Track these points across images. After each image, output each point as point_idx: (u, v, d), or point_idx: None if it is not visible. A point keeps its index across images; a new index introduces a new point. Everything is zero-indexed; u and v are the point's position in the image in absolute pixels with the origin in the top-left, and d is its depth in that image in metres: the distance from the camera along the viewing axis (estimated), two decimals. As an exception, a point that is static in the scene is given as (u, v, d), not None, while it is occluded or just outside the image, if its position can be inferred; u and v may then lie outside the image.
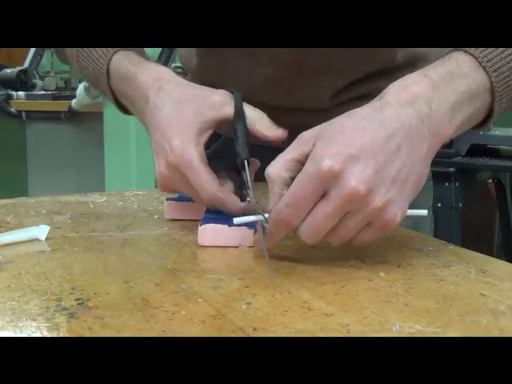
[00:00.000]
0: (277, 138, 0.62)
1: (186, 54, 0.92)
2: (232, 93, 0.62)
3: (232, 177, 0.62)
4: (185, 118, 0.59)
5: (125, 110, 0.71)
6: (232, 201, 0.58)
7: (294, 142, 0.53)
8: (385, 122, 0.50)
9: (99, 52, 0.68)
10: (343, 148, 0.49)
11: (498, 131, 2.13)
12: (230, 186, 0.61)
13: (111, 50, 0.68)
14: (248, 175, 0.58)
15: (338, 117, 0.53)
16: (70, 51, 0.74)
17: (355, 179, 0.48)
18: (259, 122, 0.62)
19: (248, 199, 0.56)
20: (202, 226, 0.57)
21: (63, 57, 0.81)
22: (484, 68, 0.55)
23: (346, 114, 0.53)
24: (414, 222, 0.81)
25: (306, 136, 0.53)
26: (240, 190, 0.60)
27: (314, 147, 0.50)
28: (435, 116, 0.52)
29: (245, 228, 0.56)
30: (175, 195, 0.67)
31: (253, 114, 0.62)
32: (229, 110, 0.61)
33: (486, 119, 0.59)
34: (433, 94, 0.53)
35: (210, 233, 0.56)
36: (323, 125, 0.53)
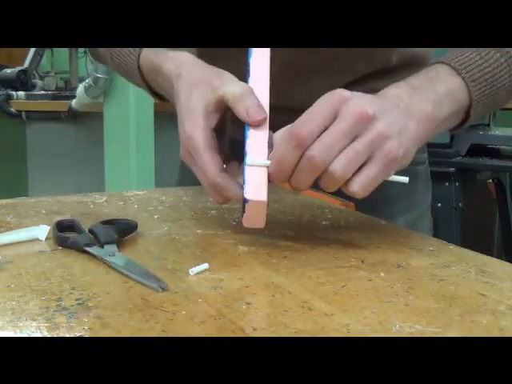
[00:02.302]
0: (256, 121, 0.61)
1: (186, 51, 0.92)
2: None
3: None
4: (192, 103, 0.61)
5: (164, 99, 0.74)
6: (230, 187, 0.58)
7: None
8: (378, 96, 0.57)
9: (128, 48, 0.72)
10: (354, 93, 0.54)
11: (497, 131, 2.14)
12: (234, 170, 0.60)
13: None
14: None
15: None
16: (104, 50, 0.77)
17: (363, 102, 0.53)
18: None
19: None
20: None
21: (97, 56, 0.83)
22: (463, 78, 0.60)
23: None
24: (412, 222, 0.81)
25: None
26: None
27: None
28: (417, 107, 0.57)
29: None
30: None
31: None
32: (224, 91, 0.61)
33: (462, 122, 0.64)
34: (412, 92, 0.58)
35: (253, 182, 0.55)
36: None
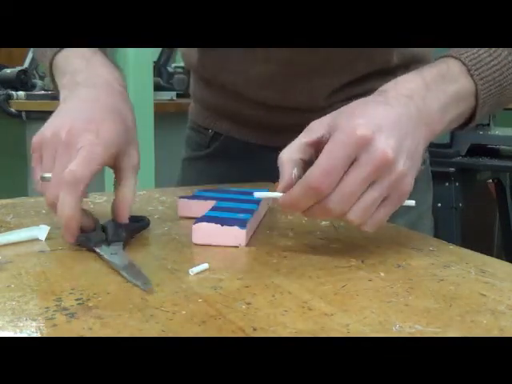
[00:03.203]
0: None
1: (187, 52, 0.93)
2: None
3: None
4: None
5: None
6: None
7: (304, 130, 0.55)
8: (391, 103, 0.54)
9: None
10: (369, 119, 0.51)
11: (497, 131, 2.13)
12: (90, 221, 0.57)
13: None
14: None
15: (343, 106, 0.55)
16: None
17: (383, 145, 0.50)
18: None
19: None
20: (196, 224, 0.57)
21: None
22: (472, 76, 0.59)
23: (349, 104, 0.55)
24: (413, 222, 0.81)
25: (316, 123, 0.55)
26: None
27: (336, 125, 0.52)
28: (428, 111, 0.56)
29: (237, 228, 0.57)
30: (189, 194, 0.70)
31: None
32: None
33: (467, 121, 0.63)
34: (425, 92, 0.56)
35: (203, 231, 0.57)
36: (333, 113, 0.55)
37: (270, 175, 0.88)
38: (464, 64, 0.59)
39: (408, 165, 0.52)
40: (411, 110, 0.54)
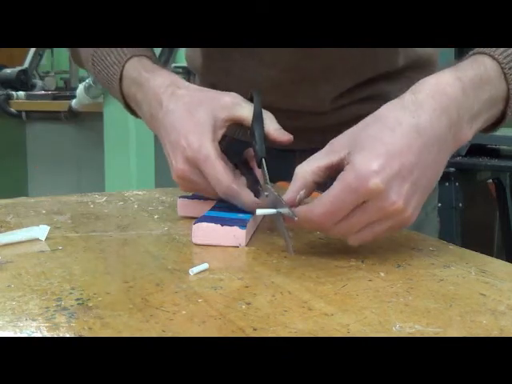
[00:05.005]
0: (284, 141, 0.64)
1: (191, 55, 0.92)
2: (251, 95, 0.65)
3: (243, 174, 0.64)
4: (198, 117, 0.61)
5: (135, 114, 0.73)
6: (246, 193, 0.60)
7: (325, 148, 0.54)
8: (421, 130, 0.51)
9: (113, 58, 0.70)
10: (386, 162, 0.50)
11: (497, 131, 2.13)
12: (243, 180, 0.63)
13: (124, 55, 0.70)
14: (266, 172, 0.60)
15: (368, 119, 0.53)
16: (85, 55, 0.76)
17: (395, 195, 0.50)
18: (269, 124, 0.64)
19: (266, 193, 0.58)
20: (196, 224, 0.57)
21: (78, 60, 0.83)
22: (506, 80, 0.56)
23: (377, 115, 0.53)
24: (418, 222, 0.81)
25: (337, 143, 0.53)
26: (252, 187, 0.61)
27: (353, 157, 0.51)
28: (460, 122, 0.53)
29: (237, 228, 0.57)
30: (188, 193, 0.69)
31: (265, 116, 0.64)
32: (239, 111, 0.63)
33: (494, 125, 0.61)
34: (462, 99, 0.53)
35: (203, 231, 0.57)
36: (354, 130, 0.53)
37: (277, 177, 0.88)
38: (499, 62, 0.56)
39: (417, 209, 0.52)
40: (442, 129, 0.52)
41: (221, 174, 0.59)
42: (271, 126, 0.64)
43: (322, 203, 0.51)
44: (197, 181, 0.61)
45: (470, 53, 0.58)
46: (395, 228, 0.53)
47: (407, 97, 0.53)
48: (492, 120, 0.59)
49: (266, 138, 0.63)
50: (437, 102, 0.52)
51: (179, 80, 0.66)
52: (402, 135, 0.51)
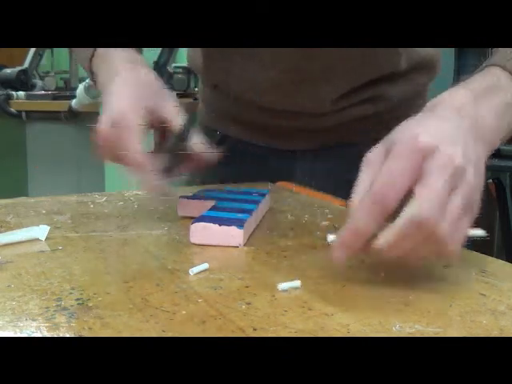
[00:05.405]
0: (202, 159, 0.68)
1: (193, 55, 0.93)
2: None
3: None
4: (138, 93, 0.66)
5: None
6: (150, 172, 0.63)
7: (363, 165, 0.49)
8: (443, 117, 0.49)
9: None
10: (428, 129, 0.46)
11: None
12: (157, 165, 0.65)
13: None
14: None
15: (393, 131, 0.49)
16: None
17: (451, 151, 0.45)
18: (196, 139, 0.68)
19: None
20: (194, 224, 0.57)
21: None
22: None
23: (399, 128, 0.49)
24: None
25: (373, 154, 0.49)
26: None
27: (394, 137, 0.47)
28: (483, 122, 0.51)
29: (234, 228, 0.57)
30: (188, 194, 0.70)
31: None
32: (167, 114, 0.67)
33: None
34: (475, 104, 0.52)
35: (201, 231, 0.57)
36: (384, 139, 0.49)
37: (277, 177, 0.88)
38: (509, 72, 0.56)
39: (477, 177, 0.46)
40: (465, 124, 0.49)
41: (133, 142, 0.62)
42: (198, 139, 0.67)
43: (377, 181, 0.45)
44: (114, 143, 0.63)
45: (481, 67, 0.58)
46: (469, 210, 0.46)
47: (424, 112, 0.52)
48: None
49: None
50: (447, 104, 0.51)
51: (142, 64, 0.71)
52: (429, 121, 0.48)
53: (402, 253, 0.46)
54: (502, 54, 0.58)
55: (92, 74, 0.75)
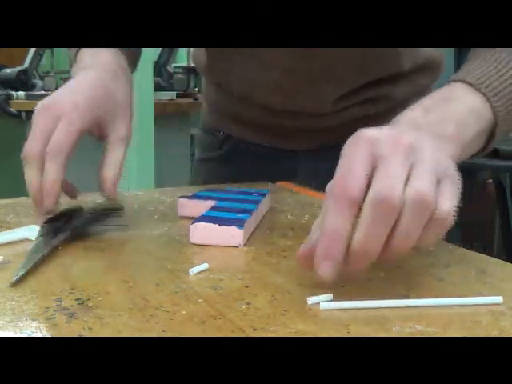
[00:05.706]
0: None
1: (197, 54, 0.94)
2: None
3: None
4: (94, 96, 0.64)
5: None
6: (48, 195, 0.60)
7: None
8: (400, 130, 0.48)
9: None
10: (377, 129, 0.46)
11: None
12: (73, 189, 0.66)
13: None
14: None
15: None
16: None
17: (395, 133, 0.45)
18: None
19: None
20: (193, 224, 0.57)
21: None
22: (484, 94, 0.55)
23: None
24: None
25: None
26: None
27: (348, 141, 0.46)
28: (442, 132, 0.51)
29: (234, 228, 0.57)
30: (188, 194, 0.70)
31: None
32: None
33: (485, 145, 0.60)
34: (425, 113, 0.52)
35: (200, 231, 0.57)
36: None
37: (277, 177, 0.88)
38: (470, 84, 0.55)
39: (437, 152, 0.46)
40: (419, 130, 0.49)
41: (64, 137, 0.61)
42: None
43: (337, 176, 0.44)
44: (48, 128, 0.61)
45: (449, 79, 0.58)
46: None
47: None
48: (487, 133, 0.58)
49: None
50: (400, 122, 0.52)
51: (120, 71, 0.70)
52: (389, 130, 0.47)
53: (384, 245, 0.44)
54: (465, 68, 0.58)
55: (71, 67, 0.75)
